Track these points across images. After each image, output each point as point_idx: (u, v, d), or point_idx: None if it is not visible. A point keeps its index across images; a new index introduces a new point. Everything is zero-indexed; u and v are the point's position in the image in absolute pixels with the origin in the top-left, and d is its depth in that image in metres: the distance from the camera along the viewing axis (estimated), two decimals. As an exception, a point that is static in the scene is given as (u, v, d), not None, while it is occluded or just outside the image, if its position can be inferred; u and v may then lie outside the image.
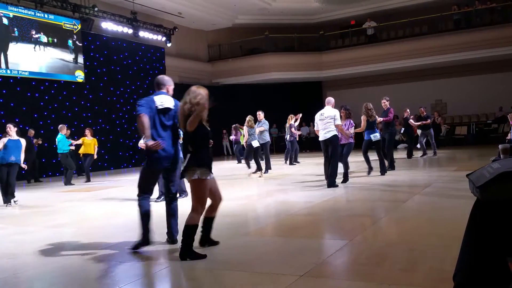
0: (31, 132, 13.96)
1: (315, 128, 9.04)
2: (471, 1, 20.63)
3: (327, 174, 8.68)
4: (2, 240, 5.55)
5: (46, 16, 15.88)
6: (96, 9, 16.94)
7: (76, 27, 16.85)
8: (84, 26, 17.18)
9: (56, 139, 12.46)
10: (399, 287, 3.11)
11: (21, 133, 14.20)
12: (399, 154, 15.72)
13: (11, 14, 14.98)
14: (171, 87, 4.76)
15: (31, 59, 15.46)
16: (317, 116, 8.79)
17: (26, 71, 15.27)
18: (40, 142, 14.15)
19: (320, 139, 8.74)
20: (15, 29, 15.04)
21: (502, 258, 1.30)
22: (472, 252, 1.38)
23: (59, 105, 16.36)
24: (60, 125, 12.72)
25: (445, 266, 3.33)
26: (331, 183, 8.47)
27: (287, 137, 14.33)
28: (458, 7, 20.84)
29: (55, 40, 16.17)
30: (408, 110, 14.60)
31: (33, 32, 15.47)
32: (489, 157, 10.32)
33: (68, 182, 12.31)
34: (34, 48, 15.61)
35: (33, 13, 15.45)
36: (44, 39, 15.81)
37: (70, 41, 16.64)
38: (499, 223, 1.33)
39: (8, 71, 14.75)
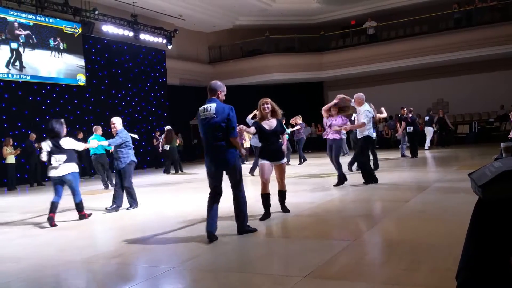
0: (33, 136, 13.97)
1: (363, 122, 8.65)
2: (471, 0, 20.62)
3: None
4: (6, 244, 5.57)
5: (47, 20, 15.92)
6: (96, 12, 16.98)
7: (77, 31, 16.89)
8: (85, 29, 17.22)
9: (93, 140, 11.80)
10: (403, 287, 3.11)
11: (23, 137, 14.35)
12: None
13: (31, 22, 15.35)
14: (222, 92, 5.02)
15: (33, 63, 15.53)
16: (369, 113, 8.72)
17: (28, 75, 15.32)
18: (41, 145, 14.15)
19: (371, 135, 8.81)
20: (33, 35, 15.40)
21: (505, 257, 1.31)
22: (475, 251, 1.38)
23: (61, 109, 16.38)
24: (94, 126, 11.93)
25: (448, 265, 3.32)
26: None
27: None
28: (458, 6, 20.82)
29: (57, 44, 16.20)
30: (411, 109, 14.88)
31: (35, 37, 15.53)
32: (491, 156, 10.30)
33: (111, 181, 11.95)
34: (51, 54, 15.98)
35: (33, 17, 15.50)
36: (45, 43, 15.85)
37: (57, 42, 16.68)
38: (501, 222, 1.33)
39: (10, 75, 14.81)
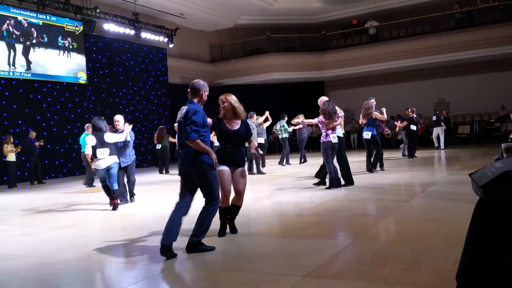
0: (33, 134, 13.92)
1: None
2: (473, 0, 20.59)
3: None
4: (6, 242, 5.57)
5: (48, 18, 15.93)
6: (98, 10, 16.98)
7: (78, 29, 16.90)
8: (86, 27, 17.22)
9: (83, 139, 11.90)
10: (403, 287, 3.10)
11: (24, 135, 14.33)
12: (398, 154, 15.71)
13: (40, 22, 15.57)
14: (205, 93, 4.59)
15: (39, 61, 15.58)
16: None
17: (29, 73, 15.33)
18: (42, 143, 14.15)
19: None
20: (39, 33, 15.58)
21: (505, 257, 1.30)
22: (475, 251, 1.38)
23: (62, 107, 16.39)
24: (86, 125, 12.06)
25: (448, 266, 3.32)
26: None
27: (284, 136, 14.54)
28: (460, 6, 20.80)
29: (67, 43, 16.21)
30: (413, 109, 14.99)
31: (37, 35, 15.55)
32: (492, 156, 10.31)
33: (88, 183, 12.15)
34: (59, 53, 15.98)
35: (35, 15, 15.50)
36: (46, 41, 15.85)
37: (66, 41, 16.69)
38: (501, 222, 1.33)
39: (11, 73, 14.81)
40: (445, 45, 20.10)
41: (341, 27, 24.31)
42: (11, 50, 14.85)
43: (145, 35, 19.17)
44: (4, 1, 14.73)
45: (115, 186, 7.57)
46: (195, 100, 4.54)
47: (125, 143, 7.94)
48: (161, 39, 20.09)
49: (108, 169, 7.55)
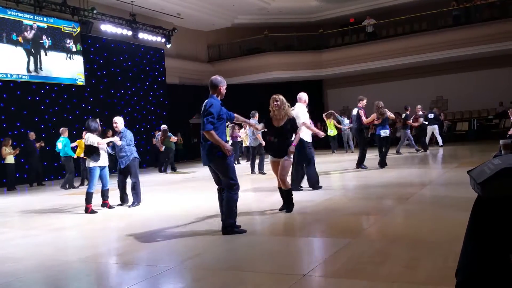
0: (32, 135, 13.89)
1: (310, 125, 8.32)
2: (470, -3, 20.64)
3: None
4: (5, 244, 5.56)
5: (45, 19, 15.90)
6: (95, 11, 16.95)
7: (75, 30, 16.87)
8: (83, 28, 17.19)
9: (61, 143, 12.19)
10: (402, 284, 3.11)
11: (22, 137, 14.30)
12: (404, 149, 15.72)
13: (45, 25, 15.84)
14: (223, 87, 5.09)
15: (46, 65, 15.68)
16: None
17: (27, 75, 15.31)
18: (42, 144, 14.11)
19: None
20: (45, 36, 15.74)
21: (504, 254, 1.30)
22: (474, 248, 1.38)
23: (60, 108, 16.37)
24: (61, 128, 12.59)
25: (448, 263, 3.33)
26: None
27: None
28: (457, 3, 20.80)
29: (55, 42, 16.19)
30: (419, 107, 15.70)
31: (41, 37, 15.56)
32: (490, 153, 10.30)
33: (65, 186, 12.29)
34: (66, 57, 16.09)
35: (32, 16, 15.48)
36: (44, 42, 15.83)
37: (70, 44, 16.68)
38: (500, 219, 1.33)
39: (9, 75, 14.79)
40: (443, 42, 20.11)
41: (338, 25, 24.29)
42: (16, 53, 14.89)
43: (143, 35, 19.14)
44: (2, 3, 14.69)
45: (89, 189, 7.54)
46: (215, 95, 5.05)
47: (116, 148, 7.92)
48: (159, 39, 20.06)
49: (89, 170, 7.69)
